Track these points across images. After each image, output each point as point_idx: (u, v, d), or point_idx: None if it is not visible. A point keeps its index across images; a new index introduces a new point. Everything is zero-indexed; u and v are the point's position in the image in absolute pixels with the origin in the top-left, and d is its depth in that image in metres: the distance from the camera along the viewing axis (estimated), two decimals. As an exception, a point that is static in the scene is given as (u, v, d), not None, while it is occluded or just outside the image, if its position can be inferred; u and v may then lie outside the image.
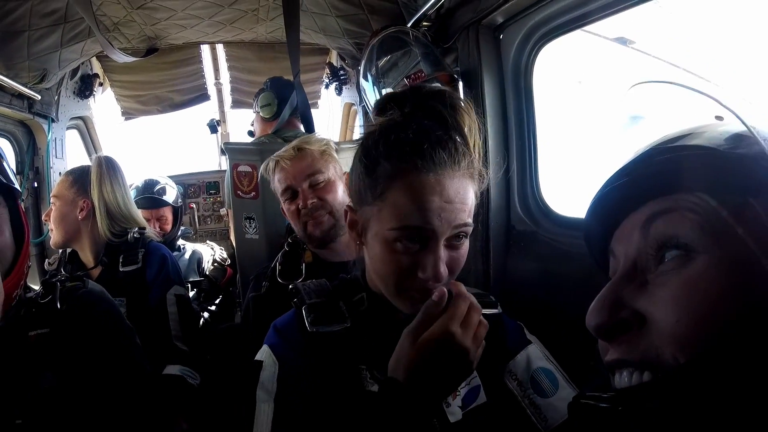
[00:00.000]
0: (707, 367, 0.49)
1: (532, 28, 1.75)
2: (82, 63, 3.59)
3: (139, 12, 2.92)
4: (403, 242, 0.96)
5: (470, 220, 0.99)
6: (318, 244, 1.84)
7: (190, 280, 3.17)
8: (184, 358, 2.08)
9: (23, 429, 1.13)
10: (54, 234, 2.27)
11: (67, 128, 3.73)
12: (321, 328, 1.08)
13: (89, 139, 4.15)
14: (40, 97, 3.12)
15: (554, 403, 1.11)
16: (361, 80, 2.41)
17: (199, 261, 3.38)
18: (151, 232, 2.46)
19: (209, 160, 5.28)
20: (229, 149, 2.59)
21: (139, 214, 2.44)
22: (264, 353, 1.10)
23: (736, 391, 0.48)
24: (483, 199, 1.86)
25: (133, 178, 3.26)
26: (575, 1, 1.53)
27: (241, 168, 2.39)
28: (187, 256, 3.34)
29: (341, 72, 3.87)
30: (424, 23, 2.12)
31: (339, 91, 4.01)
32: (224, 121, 4.98)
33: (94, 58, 3.77)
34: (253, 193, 2.37)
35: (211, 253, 3.53)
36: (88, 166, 2.31)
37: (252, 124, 3.27)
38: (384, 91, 2.38)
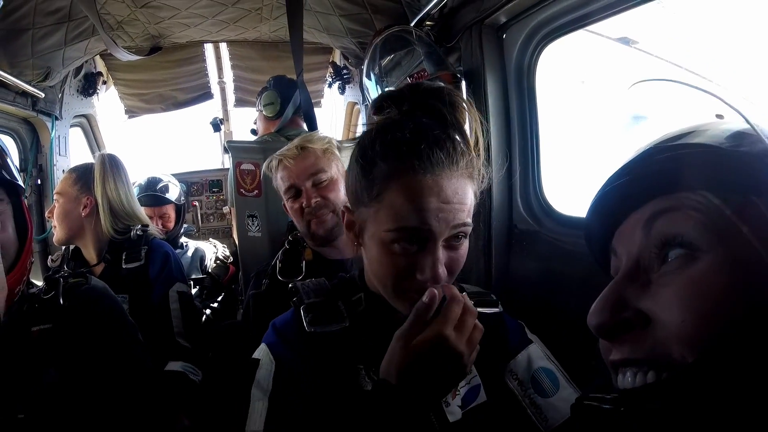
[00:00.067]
0: (714, 367, 0.49)
1: (535, 27, 1.75)
2: (86, 61, 3.61)
3: (143, 11, 2.93)
4: (401, 244, 0.95)
5: (469, 220, 0.97)
6: (321, 242, 1.85)
7: (193, 277, 3.19)
8: (186, 354, 2.08)
9: (25, 424, 1.14)
10: (57, 231, 2.28)
11: (71, 126, 3.75)
12: (319, 328, 1.07)
13: (92, 137, 4.17)
14: (43, 95, 3.13)
15: (555, 403, 1.11)
16: (364, 79, 2.41)
17: (202, 258, 3.40)
18: (154, 229, 2.47)
19: (212, 158, 5.31)
20: (232, 147, 2.60)
21: (142, 211, 2.45)
22: (261, 351, 1.09)
23: (743, 391, 0.48)
24: (485, 198, 1.86)
25: (137, 175, 3.27)
26: (578, 1, 1.53)
27: (244, 166, 2.39)
28: (189, 253, 3.36)
29: (344, 71, 3.87)
30: (428, 22, 2.12)
31: (342, 90, 4.01)
32: (227, 120, 4.99)
33: (98, 56, 3.78)
34: (256, 191, 2.37)
35: (213, 250, 3.54)
36: (92, 164, 2.32)
37: (255, 123, 3.27)
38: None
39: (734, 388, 0.48)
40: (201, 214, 4.76)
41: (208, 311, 2.91)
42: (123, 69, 4.10)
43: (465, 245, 1.00)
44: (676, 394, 0.52)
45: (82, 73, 3.70)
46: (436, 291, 0.89)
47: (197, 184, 4.82)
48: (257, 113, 3.17)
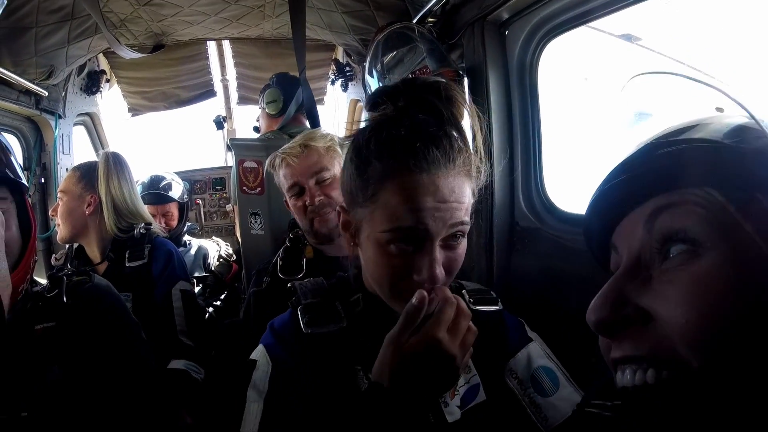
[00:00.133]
0: (717, 366, 0.49)
1: (538, 24, 1.74)
2: (89, 59, 3.60)
3: (146, 8, 2.93)
4: (397, 244, 0.93)
5: (467, 219, 0.96)
6: (323, 240, 1.85)
7: (196, 275, 3.20)
8: (188, 352, 2.09)
9: (29, 421, 1.14)
10: (61, 229, 2.29)
11: (74, 124, 3.76)
12: (316, 330, 1.06)
13: (96, 135, 4.17)
14: (47, 94, 3.14)
15: (555, 402, 1.09)
16: (367, 76, 2.41)
17: (205, 256, 3.41)
18: (157, 227, 2.48)
19: (215, 156, 5.30)
20: (234, 145, 2.60)
21: (146, 209, 2.46)
22: (259, 353, 1.08)
23: (746, 390, 0.48)
24: (487, 195, 1.86)
25: (140, 174, 3.28)
26: (580, -2, 1.53)
27: (246, 164, 2.40)
28: (192, 251, 3.37)
29: (347, 68, 3.86)
30: (430, 19, 2.11)
31: (345, 87, 4.00)
32: (230, 118, 4.99)
33: (101, 54, 3.78)
34: (259, 189, 2.38)
35: (216, 248, 3.55)
36: (96, 162, 2.33)
37: (257, 120, 3.28)
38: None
39: (737, 388, 0.48)
40: (204, 212, 4.76)
41: (210, 309, 2.92)
42: (126, 67, 4.10)
43: (463, 244, 0.98)
44: (678, 394, 0.51)
45: (86, 71, 3.70)
46: (425, 293, 0.87)
47: (200, 182, 4.82)
48: (260, 111, 3.17)
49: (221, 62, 4.69)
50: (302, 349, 1.05)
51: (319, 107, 3.12)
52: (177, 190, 3.38)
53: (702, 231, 0.53)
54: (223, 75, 4.77)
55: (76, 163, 3.14)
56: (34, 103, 3.14)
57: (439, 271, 0.93)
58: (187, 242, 3.41)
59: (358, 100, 4.02)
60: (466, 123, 1.00)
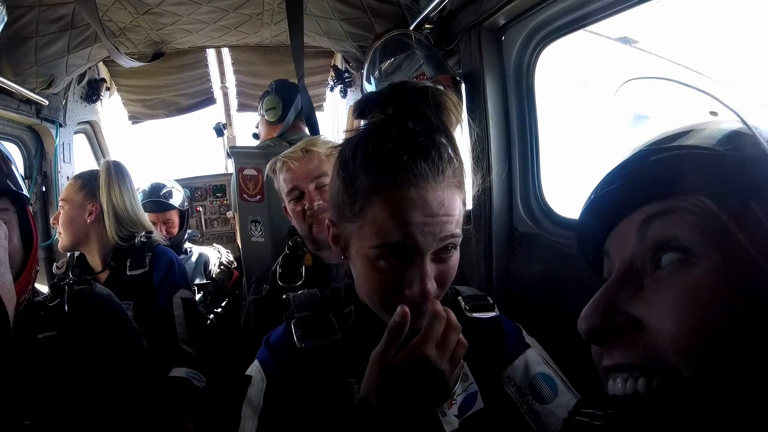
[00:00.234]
0: (708, 376, 0.49)
1: (534, 29, 1.75)
2: (89, 68, 3.61)
3: (145, 17, 2.94)
4: (387, 260, 0.91)
5: (458, 231, 0.93)
6: (322, 246, 1.85)
7: (197, 282, 3.20)
8: (190, 360, 2.10)
9: (32, 430, 1.15)
10: (62, 237, 2.29)
11: (75, 132, 3.76)
12: (309, 344, 1.04)
13: (97, 143, 4.18)
14: (47, 102, 3.15)
15: (553, 410, 1.08)
16: (365, 83, 2.42)
17: (206, 264, 3.41)
18: (158, 235, 2.49)
19: (216, 163, 5.30)
20: (234, 153, 2.61)
21: (147, 218, 2.47)
22: (254, 368, 1.08)
23: (737, 400, 0.48)
24: (485, 201, 1.87)
25: (141, 181, 3.29)
26: (576, 2, 1.53)
27: (246, 171, 2.40)
28: (193, 259, 3.37)
29: (346, 74, 3.87)
30: (427, 26, 2.12)
31: (344, 93, 4.01)
32: (230, 125, 4.99)
33: (101, 62, 3.79)
34: (259, 196, 2.38)
35: (217, 255, 3.55)
36: (97, 171, 2.34)
37: (257, 127, 3.28)
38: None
39: (727, 397, 0.48)
40: (205, 220, 4.76)
41: (211, 316, 2.92)
42: (126, 75, 4.11)
43: (455, 256, 0.96)
44: (668, 403, 0.51)
45: (86, 79, 3.71)
46: (407, 309, 0.84)
47: (201, 190, 4.83)
48: (259, 118, 3.18)
49: (221, 70, 4.70)
50: (296, 363, 1.04)
51: (318, 114, 3.13)
52: (177, 198, 3.39)
53: (694, 240, 0.53)
54: (222, 82, 4.78)
55: (77, 172, 3.14)
56: (34, 111, 3.15)
57: (431, 285, 0.91)
58: (188, 249, 3.41)
59: (357, 107, 4.02)
60: (457, 129, 0.98)
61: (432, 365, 0.82)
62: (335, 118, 4.27)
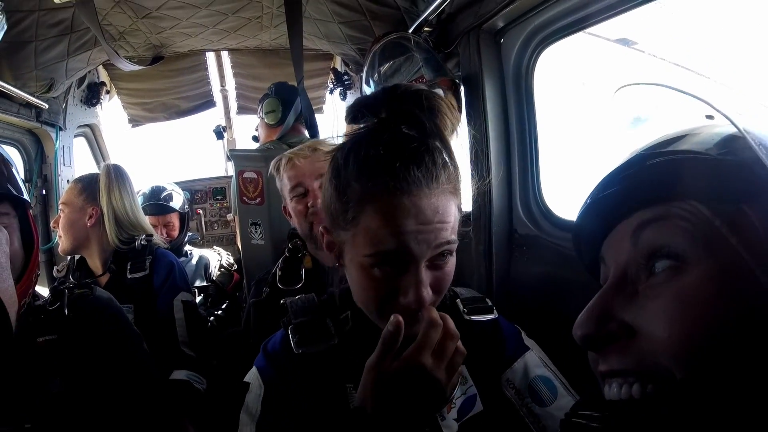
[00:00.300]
0: (702, 382, 0.49)
1: (533, 31, 1.76)
2: (89, 71, 3.62)
3: (145, 21, 2.94)
4: (381, 268, 0.90)
5: (454, 237, 0.92)
6: (321, 245, 1.84)
7: (197, 285, 3.20)
8: (190, 363, 2.10)
9: (33, 434, 1.15)
10: (62, 241, 2.29)
11: (75, 136, 3.77)
12: (306, 349, 1.03)
13: (97, 147, 4.18)
14: (47, 106, 3.16)
15: (553, 413, 1.06)
16: (364, 86, 2.42)
17: (206, 266, 3.41)
18: (158, 238, 2.49)
19: (216, 165, 5.31)
20: (234, 156, 2.62)
21: (147, 221, 2.48)
22: (252, 375, 1.07)
23: (732, 405, 0.48)
24: (485, 203, 1.87)
25: (141, 184, 3.30)
26: (575, 5, 1.54)
27: (246, 174, 2.41)
28: (194, 261, 3.37)
29: (345, 77, 3.87)
30: (426, 29, 2.13)
31: (343, 96, 4.01)
32: (230, 127, 5.00)
33: (101, 66, 3.80)
34: (259, 199, 2.39)
35: (217, 258, 3.55)
36: (97, 174, 2.34)
37: (256, 130, 3.29)
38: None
39: (722, 402, 0.48)
40: (205, 222, 4.76)
41: (212, 319, 2.93)
42: (126, 78, 4.11)
43: (451, 262, 0.95)
44: (662, 408, 0.51)
45: (86, 83, 3.72)
46: (400, 318, 0.83)
47: (201, 192, 4.83)
48: (259, 120, 3.18)
49: (220, 73, 4.71)
50: (294, 369, 1.04)
51: (317, 116, 3.13)
52: (178, 201, 3.39)
53: (687, 247, 0.53)
54: (222, 85, 4.78)
55: (77, 175, 3.16)
56: (34, 115, 3.15)
57: (426, 293, 0.89)
58: (189, 252, 3.41)
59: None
60: (451, 133, 0.96)
61: (428, 374, 0.81)
62: (335, 120, 4.28)
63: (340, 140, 1.05)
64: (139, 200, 2.63)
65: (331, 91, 4.20)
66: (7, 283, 0.89)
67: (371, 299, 0.94)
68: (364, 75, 2.39)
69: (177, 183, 3.63)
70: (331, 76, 4.15)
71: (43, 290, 2.56)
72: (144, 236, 2.35)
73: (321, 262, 1.88)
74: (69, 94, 3.50)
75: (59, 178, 3.51)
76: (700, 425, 0.49)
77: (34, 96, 2.94)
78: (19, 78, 2.73)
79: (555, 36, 1.73)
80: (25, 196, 1.25)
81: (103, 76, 4.00)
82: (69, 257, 2.46)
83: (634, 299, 0.57)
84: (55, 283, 1.50)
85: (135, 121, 4.47)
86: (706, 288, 0.51)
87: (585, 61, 1.86)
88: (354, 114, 1.00)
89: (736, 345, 0.48)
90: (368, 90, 2.36)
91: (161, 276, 2.26)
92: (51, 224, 2.61)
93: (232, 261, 3.59)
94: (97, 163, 4.17)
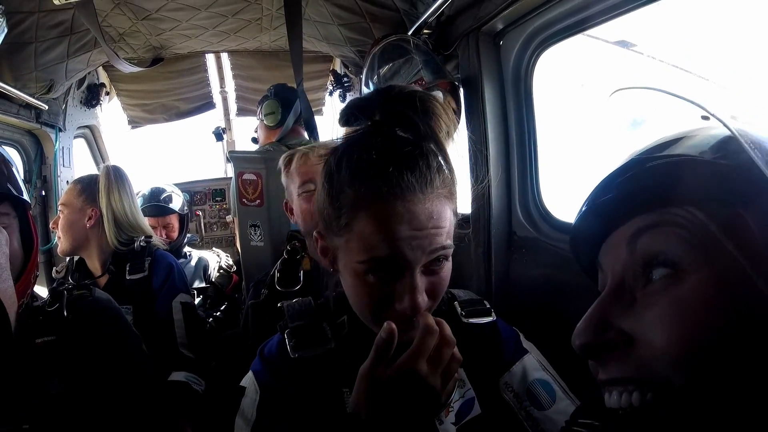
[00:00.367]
0: (700, 389, 0.49)
1: (532, 33, 1.76)
2: (89, 73, 3.63)
3: (144, 23, 2.95)
4: (375, 274, 0.88)
5: (449, 242, 0.90)
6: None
7: (196, 286, 3.20)
8: (189, 364, 2.10)
9: (30, 434, 1.15)
10: (62, 242, 2.29)
11: (75, 137, 3.78)
12: (302, 353, 1.02)
13: (96, 148, 4.19)
14: (47, 107, 3.16)
15: (551, 416, 1.06)
16: (363, 88, 2.43)
17: (205, 268, 3.41)
18: (158, 240, 2.49)
19: (215, 167, 5.32)
20: (234, 158, 2.62)
21: (146, 222, 2.48)
22: (248, 380, 1.06)
23: (730, 412, 0.48)
24: (484, 205, 1.87)
25: (141, 186, 3.30)
26: (574, 7, 1.54)
27: (246, 176, 2.41)
28: (193, 263, 3.37)
29: (345, 79, 3.87)
30: (425, 31, 2.13)
31: (343, 98, 4.01)
32: (230, 129, 5.01)
33: (101, 67, 3.81)
34: (258, 200, 2.39)
35: (217, 259, 3.55)
36: (96, 175, 2.34)
37: (256, 131, 3.29)
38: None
39: (721, 410, 0.48)
40: (204, 224, 4.77)
41: (211, 320, 2.93)
42: (125, 80, 4.12)
43: (447, 267, 0.93)
44: (661, 417, 0.51)
45: (85, 84, 3.73)
46: (393, 325, 0.81)
47: (200, 194, 4.84)
48: (258, 122, 3.18)
49: (220, 74, 4.72)
50: (290, 373, 1.03)
51: (317, 118, 3.13)
52: (177, 202, 3.39)
53: (683, 254, 0.53)
54: (221, 87, 4.80)
55: (76, 176, 3.16)
56: (34, 116, 3.16)
57: (421, 299, 0.88)
58: (188, 253, 3.42)
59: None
60: (446, 135, 0.94)
61: (423, 381, 0.79)
62: (334, 122, 4.28)
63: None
64: (139, 201, 2.63)
65: (331, 93, 4.20)
66: (6, 284, 0.89)
67: (365, 305, 0.93)
68: (363, 77, 2.39)
69: (176, 184, 3.63)
70: (331, 78, 4.15)
71: (42, 291, 2.57)
72: (143, 237, 2.35)
73: (320, 264, 1.87)
74: (69, 95, 3.51)
75: (59, 179, 3.52)
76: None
77: (33, 97, 2.94)
78: (19, 79, 2.73)
79: (554, 38, 1.73)
80: (26, 197, 1.25)
81: (103, 77, 4.01)
82: (68, 258, 2.47)
83: (632, 307, 0.57)
84: (54, 284, 1.50)
85: (134, 123, 4.48)
86: (703, 296, 0.50)
87: (584, 63, 1.86)
88: (347, 116, 0.98)
89: (734, 352, 0.48)
90: (368, 92, 2.36)
91: (160, 277, 2.26)
92: (50, 225, 2.62)
93: (231, 263, 3.59)
94: (97, 164, 4.18)
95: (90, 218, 2.25)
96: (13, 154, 3.28)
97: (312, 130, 2.83)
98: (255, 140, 3.31)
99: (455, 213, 0.93)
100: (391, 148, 0.88)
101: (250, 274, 2.49)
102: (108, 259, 2.30)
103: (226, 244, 4.65)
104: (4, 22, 2.04)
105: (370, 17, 2.55)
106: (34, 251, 1.25)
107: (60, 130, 3.49)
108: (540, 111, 1.87)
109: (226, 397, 1.11)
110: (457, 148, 0.97)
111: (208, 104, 4.61)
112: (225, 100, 4.89)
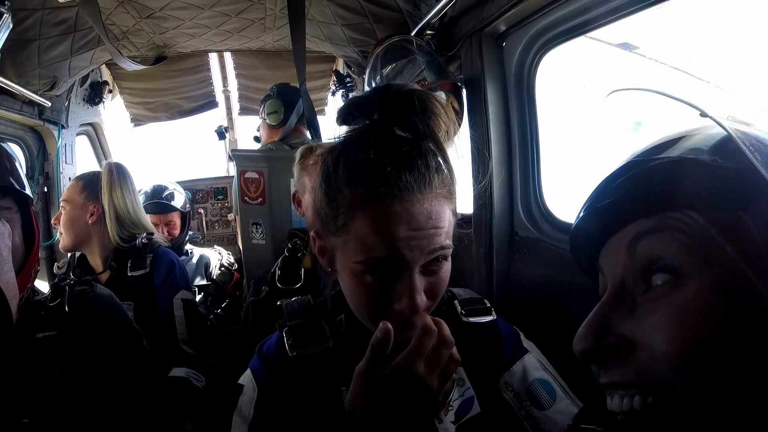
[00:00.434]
0: (701, 393, 0.49)
1: (535, 35, 1.76)
2: (92, 70, 3.64)
3: (148, 21, 2.95)
4: (373, 274, 0.88)
5: (448, 242, 0.89)
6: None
7: (197, 284, 3.21)
8: (190, 361, 2.11)
9: (31, 428, 1.15)
10: (63, 238, 2.30)
11: (77, 134, 3.78)
12: (301, 352, 1.01)
13: (99, 145, 4.20)
14: (50, 104, 3.17)
15: (552, 416, 1.05)
16: (366, 88, 2.43)
17: (207, 265, 3.42)
18: (159, 237, 2.50)
19: (217, 165, 5.32)
20: (236, 156, 2.63)
21: (148, 219, 2.48)
22: (246, 378, 1.06)
23: (731, 416, 0.48)
24: (486, 205, 1.88)
25: (143, 183, 3.30)
26: (577, 9, 1.54)
27: (248, 174, 2.42)
28: (194, 260, 3.38)
29: (348, 79, 3.87)
30: (428, 32, 2.13)
31: (346, 98, 4.02)
32: (232, 128, 5.01)
33: (104, 65, 3.82)
34: (260, 199, 2.39)
35: (218, 257, 3.56)
36: (99, 172, 2.35)
37: (258, 130, 3.29)
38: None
39: (722, 414, 0.48)
40: (206, 222, 4.78)
41: (212, 317, 2.93)
42: (129, 78, 4.13)
43: (446, 267, 0.92)
44: (662, 421, 0.52)
45: (88, 82, 3.74)
46: (389, 325, 0.80)
47: (202, 192, 4.85)
48: (261, 121, 3.19)
49: (223, 74, 4.73)
50: (289, 372, 1.02)
51: (320, 118, 3.14)
52: (179, 200, 3.40)
53: (683, 259, 0.52)
54: (224, 86, 4.80)
55: (78, 173, 3.15)
56: (37, 113, 3.16)
57: (420, 299, 0.87)
58: (189, 251, 3.42)
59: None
60: (445, 135, 0.92)
61: (420, 381, 0.79)
62: (337, 122, 4.27)
63: None
64: (141, 199, 2.64)
65: (334, 93, 4.21)
66: (9, 276, 0.89)
67: (363, 305, 0.92)
68: (366, 77, 2.40)
69: (179, 182, 3.65)
70: (334, 78, 4.15)
71: (43, 287, 2.57)
72: (145, 234, 2.35)
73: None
74: (72, 92, 3.52)
75: (61, 175, 3.53)
76: None
77: (37, 94, 2.94)
78: (23, 76, 2.74)
79: (557, 40, 1.73)
80: (28, 192, 1.26)
81: (106, 75, 4.02)
82: (70, 254, 2.47)
83: (633, 312, 0.56)
84: (56, 280, 1.50)
85: (137, 121, 4.49)
86: (703, 300, 0.50)
87: (586, 65, 1.86)
88: (345, 115, 0.97)
89: (735, 356, 0.48)
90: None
91: (162, 274, 2.27)
92: (52, 221, 2.62)
93: (232, 260, 3.60)
94: (99, 161, 4.18)
95: (92, 215, 2.26)
96: (16, 150, 3.29)
97: (315, 129, 2.84)
98: (257, 139, 3.32)
99: (454, 213, 0.93)
100: (389, 147, 0.87)
101: (251, 271, 2.49)
102: (109, 256, 2.31)
103: (228, 242, 4.66)
104: (9, 17, 2.04)
105: (373, 18, 2.55)
106: (35, 245, 1.26)
107: (63, 127, 3.49)
108: (542, 112, 1.87)
109: (227, 394, 1.11)
110: (457, 147, 0.96)
111: (210, 103, 4.62)
112: (228, 99, 4.89)
